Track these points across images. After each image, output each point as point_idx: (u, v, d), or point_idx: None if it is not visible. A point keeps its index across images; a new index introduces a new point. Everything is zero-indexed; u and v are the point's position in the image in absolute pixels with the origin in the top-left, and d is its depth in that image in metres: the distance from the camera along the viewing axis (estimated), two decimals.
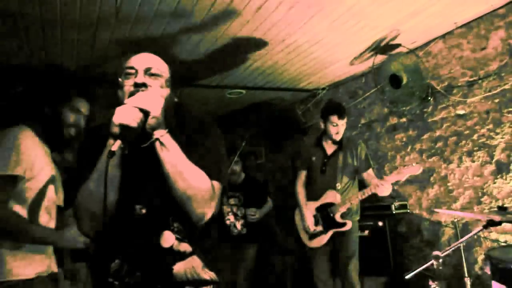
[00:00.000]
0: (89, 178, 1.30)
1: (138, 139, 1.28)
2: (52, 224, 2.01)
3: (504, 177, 3.04)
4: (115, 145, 1.21)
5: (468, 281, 2.48)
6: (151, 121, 1.26)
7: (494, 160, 3.12)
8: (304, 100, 5.28)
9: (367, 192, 3.21)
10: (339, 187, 3.40)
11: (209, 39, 3.25)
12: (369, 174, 3.41)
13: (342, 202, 3.34)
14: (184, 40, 3.24)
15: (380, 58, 3.85)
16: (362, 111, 4.49)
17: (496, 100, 3.11)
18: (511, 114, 3.02)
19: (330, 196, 3.41)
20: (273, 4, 2.74)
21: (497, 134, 3.10)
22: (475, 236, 3.09)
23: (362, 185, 3.45)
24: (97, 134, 1.41)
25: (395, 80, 3.65)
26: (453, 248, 2.13)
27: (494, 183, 3.10)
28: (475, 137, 3.26)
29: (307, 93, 5.04)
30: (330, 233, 3.39)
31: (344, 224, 3.34)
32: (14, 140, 1.83)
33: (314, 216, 3.46)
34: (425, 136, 3.71)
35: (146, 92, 1.32)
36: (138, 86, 1.34)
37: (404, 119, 3.96)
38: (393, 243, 3.71)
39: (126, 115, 1.22)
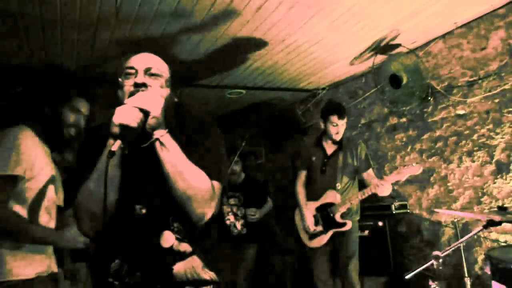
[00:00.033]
0: (89, 178, 1.30)
1: (138, 139, 1.28)
2: (52, 224, 2.01)
3: (504, 177, 3.04)
4: (115, 145, 1.21)
5: (468, 281, 2.48)
6: (151, 121, 1.26)
7: (494, 160, 3.12)
8: (304, 100, 5.28)
9: (367, 192, 3.21)
10: (339, 187, 3.40)
11: (209, 39, 3.25)
12: (369, 174, 3.41)
13: (342, 202, 3.34)
14: (184, 40, 3.24)
15: (380, 58, 3.85)
16: (362, 111, 4.49)
17: (496, 100, 3.11)
18: (511, 114, 3.02)
19: (330, 196, 3.41)
20: (273, 4, 2.74)
21: (497, 134, 3.10)
22: (475, 236, 3.09)
23: (362, 185, 3.45)
24: (97, 134, 1.41)
25: (395, 80, 3.65)
26: (453, 248, 2.13)
27: (494, 183, 3.10)
28: (475, 137, 3.26)
29: (307, 93, 5.04)
30: (330, 233, 3.39)
31: (344, 224, 3.34)
32: (14, 140, 1.83)
33: (314, 216, 3.46)
34: (425, 136, 3.71)
35: (146, 92, 1.32)
36: (138, 86, 1.34)
37: (404, 119, 3.96)
38: (393, 243, 3.71)
39: (126, 115, 1.22)
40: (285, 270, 5.14)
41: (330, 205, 3.40)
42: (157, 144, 1.28)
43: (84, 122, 2.08)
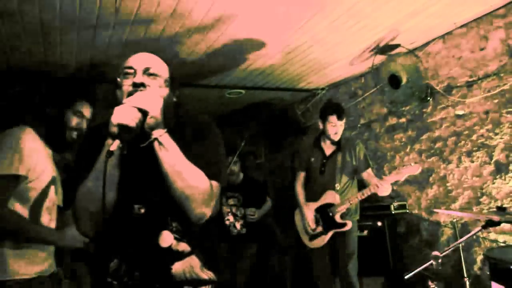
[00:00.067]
0: (87, 178, 1.30)
1: (137, 139, 1.28)
2: (52, 224, 2.02)
3: (503, 178, 3.04)
4: (114, 145, 1.21)
5: (467, 281, 2.48)
6: (149, 121, 1.26)
7: (493, 161, 3.12)
8: (304, 100, 5.28)
9: (366, 193, 3.22)
10: (338, 188, 3.41)
11: (208, 39, 3.24)
12: (368, 174, 3.41)
13: (341, 203, 3.35)
14: (184, 40, 3.24)
15: (379, 58, 3.85)
16: (361, 111, 4.49)
17: (495, 101, 3.11)
18: (510, 115, 3.02)
19: (330, 197, 3.41)
20: (273, 4, 2.74)
21: (496, 134, 3.11)
22: (474, 237, 3.09)
23: (362, 185, 3.46)
24: (96, 134, 1.41)
25: (394, 80, 3.65)
26: (452, 248, 2.13)
27: (493, 183, 3.10)
28: (474, 137, 3.26)
29: (306, 93, 5.04)
30: (330, 233, 3.39)
31: (344, 225, 3.34)
32: (17, 140, 1.84)
33: (314, 217, 3.46)
34: (424, 136, 3.71)
35: (144, 92, 1.33)
36: (137, 86, 1.34)
37: (403, 119, 3.96)
38: (392, 243, 3.71)
39: (124, 115, 1.22)
40: (284, 270, 5.14)
41: (330, 205, 3.40)
42: (156, 144, 1.28)
43: (86, 125, 2.10)
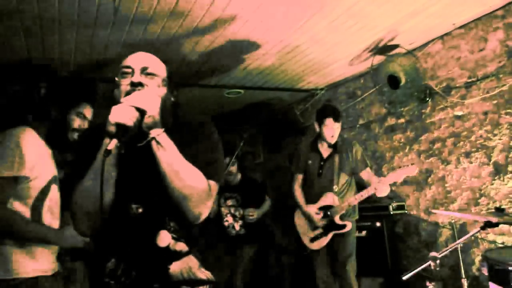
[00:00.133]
0: (85, 177, 1.30)
1: (135, 138, 1.28)
2: (55, 223, 2.03)
3: (501, 179, 3.04)
4: (111, 144, 1.20)
5: (465, 282, 2.48)
6: (147, 120, 1.26)
7: (491, 162, 3.12)
8: (303, 100, 5.28)
9: (364, 194, 3.22)
10: (336, 189, 3.41)
11: (207, 38, 3.24)
12: (368, 173, 3.41)
13: (340, 204, 3.35)
14: (183, 40, 3.23)
15: (378, 58, 3.85)
16: (360, 112, 4.49)
17: (494, 102, 3.11)
18: (509, 116, 3.02)
19: (328, 199, 3.41)
20: (272, 4, 2.74)
21: (495, 135, 3.11)
22: (473, 237, 3.09)
23: (360, 185, 3.45)
24: (95, 133, 1.40)
25: (393, 81, 3.65)
26: (450, 249, 2.13)
27: (492, 184, 3.10)
28: (473, 138, 3.27)
29: (305, 93, 5.04)
30: (330, 235, 3.40)
31: (344, 226, 3.34)
32: (18, 141, 1.85)
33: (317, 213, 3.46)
34: (423, 137, 3.71)
35: (142, 91, 1.32)
36: (135, 86, 1.34)
37: (402, 120, 3.96)
38: (391, 244, 3.71)
39: (122, 114, 1.22)
40: (283, 270, 5.14)
41: (329, 207, 3.40)
42: (154, 143, 1.28)
43: (87, 126, 2.11)
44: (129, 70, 1.37)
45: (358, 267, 3.39)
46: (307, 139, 3.88)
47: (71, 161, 1.54)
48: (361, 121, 4.48)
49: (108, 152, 1.19)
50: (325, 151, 3.54)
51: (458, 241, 2.16)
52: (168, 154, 1.28)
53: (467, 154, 3.30)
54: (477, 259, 3.17)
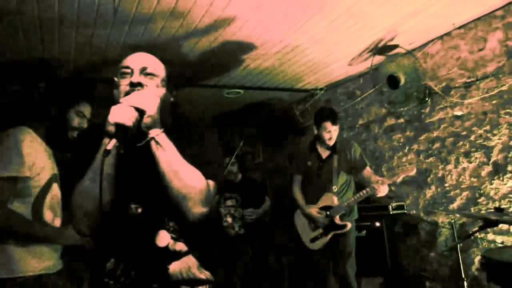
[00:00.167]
0: (84, 177, 1.30)
1: (134, 138, 1.28)
2: (57, 222, 2.04)
3: (501, 178, 3.04)
4: (110, 144, 1.20)
5: (465, 282, 2.48)
6: (146, 120, 1.26)
7: (491, 161, 3.12)
8: (302, 100, 5.28)
9: (364, 194, 3.22)
10: (335, 190, 3.41)
11: (207, 39, 3.24)
12: (368, 171, 3.41)
13: (339, 204, 3.35)
14: (182, 40, 3.23)
15: (378, 58, 3.85)
16: (360, 112, 4.49)
17: (494, 102, 3.11)
18: (508, 116, 3.02)
19: (328, 199, 3.41)
20: (272, 4, 2.74)
21: (494, 135, 3.11)
22: (472, 237, 3.10)
23: (359, 186, 3.46)
24: (94, 133, 1.41)
25: (393, 81, 3.65)
26: (449, 250, 2.13)
27: (491, 184, 3.11)
28: (472, 138, 3.27)
29: (305, 93, 5.04)
30: (330, 235, 3.40)
31: (344, 226, 3.35)
32: (17, 141, 1.85)
33: (318, 213, 3.46)
34: (423, 137, 3.71)
35: (141, 92, 1.32)
36: (134, 86, 1.34)
37: (401, 120, 3.96)
38: (390, 244, 3.71)
39: (121, 114, 1.22)
40: (283, 270, 5.14)
41: (329, 207, 3.40)
42: (153, 143, 1.28)
43: (86, 124, 2.12)
44: (129, 70, 1.38)
45: (358, 267, 3.39)
46: (306, 140, 3.88)
47: (71, 161, 1.54)
48: (360, 121, 4.48)
49: (107, 152, 1.20)
50: (323, 152, 3.54)
51: (457, 242, 2.15)
52: (167, 154, 1.28)
53: (467, 154, 3.30)
54: (477, 259, 3.17)
